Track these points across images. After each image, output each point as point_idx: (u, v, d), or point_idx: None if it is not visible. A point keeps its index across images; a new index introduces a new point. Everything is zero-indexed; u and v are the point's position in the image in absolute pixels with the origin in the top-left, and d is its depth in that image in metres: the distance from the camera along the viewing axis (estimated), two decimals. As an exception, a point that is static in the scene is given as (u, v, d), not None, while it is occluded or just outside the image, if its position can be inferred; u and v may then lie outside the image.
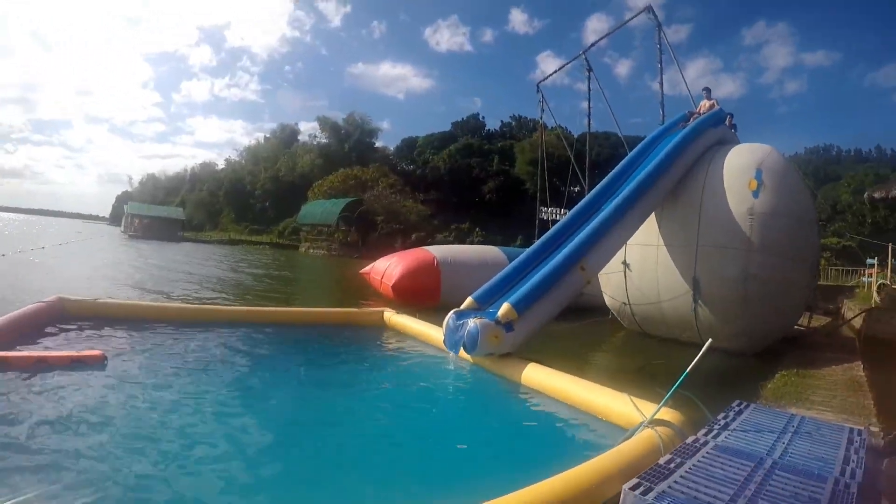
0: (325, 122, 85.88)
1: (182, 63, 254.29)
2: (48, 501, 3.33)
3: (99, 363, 6.42)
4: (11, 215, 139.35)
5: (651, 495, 3.09)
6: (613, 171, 10.83)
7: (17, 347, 6.61)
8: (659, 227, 10.70)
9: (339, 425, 5.26)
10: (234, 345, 7.96)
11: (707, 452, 3.73)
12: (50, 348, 6.98)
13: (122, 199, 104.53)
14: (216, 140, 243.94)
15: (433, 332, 8.69)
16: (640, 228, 9.81)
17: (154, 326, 8.69)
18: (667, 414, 4.57)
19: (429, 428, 5.41)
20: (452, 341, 7.63)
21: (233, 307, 12.14)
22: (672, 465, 3.50)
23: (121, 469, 3.85)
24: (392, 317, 10.12)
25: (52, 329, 7.95)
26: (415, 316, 9.96)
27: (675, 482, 3.26)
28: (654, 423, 4.41)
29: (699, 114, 12.05)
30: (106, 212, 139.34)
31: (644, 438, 4.18)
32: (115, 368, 6.37)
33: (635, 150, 11.54)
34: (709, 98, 12.54)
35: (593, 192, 10.41)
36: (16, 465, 3.81)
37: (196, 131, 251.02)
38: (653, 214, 10.35)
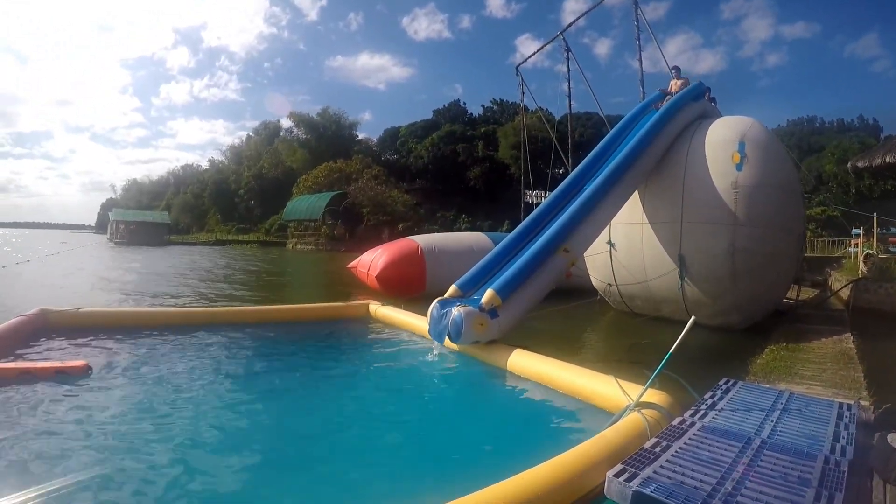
0: (299, 119, 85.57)
1: (160, 66, 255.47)
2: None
3: (83, 373, 6.37)
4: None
5: (635, 482, 3.04)
6: (593, 151, 10.71)
7: (1, 361, 6.54)
8: (643, 205, 10.57)
9: (324, 418, 5.24)
10: (219, 346, 7.91)
11: (694, 434, 3.67)
12: (34, 360, 6.92)
13: (107, 207, 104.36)
14: (198, 141, 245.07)
15: (418, 322, 8.61)
16: (624, 207, 9.70)
17: (139, 333, 8.61)
18: (653, 396, 4.48)
19: (414, 418, 5.36)
20: (437, 331, 7.53)
21: (217, 308, 12.03)
22: (658, 449, 3.45)
23: (106, 478, 3.81)
24: (378, 309, 10.05)
25: (36, 342, 7.88)
26: (400, 307, 9.89)
27: (661, 467, 3.21)
28: (641, 405, 4.32)
29: (671, 93, 11.84)
30: (92, 220, 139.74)
31: (630, 422, 4.08)
32: (100, 377, 6.32)
33: (614, 129, 11.43)
34: (678, 77, 12.26)
35: (574, 172, 10.27)
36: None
37: (178, 134, 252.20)
38: (636, 192, 10.23)
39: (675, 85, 12.01)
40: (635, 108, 12.15)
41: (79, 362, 6.59)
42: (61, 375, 6.23)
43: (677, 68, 12.56)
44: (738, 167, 9.47)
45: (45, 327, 8.47)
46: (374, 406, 5.62)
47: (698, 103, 11.63)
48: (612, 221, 9.90)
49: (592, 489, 3.31)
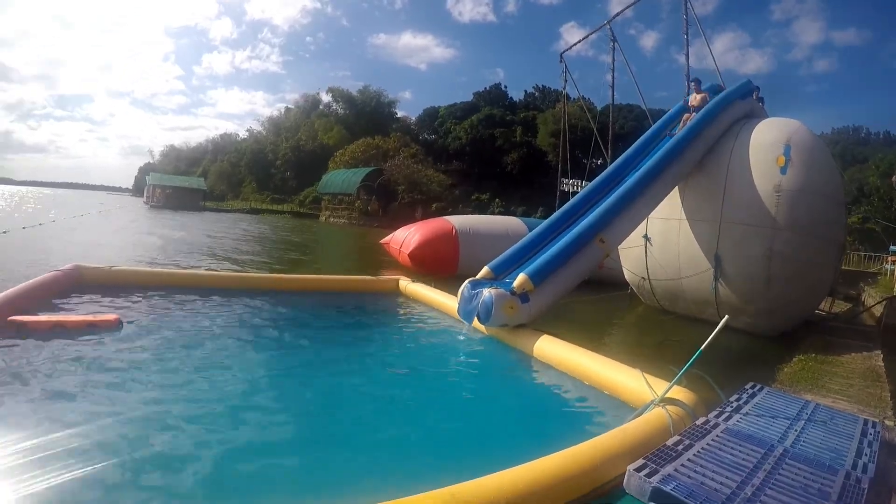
0: (338, 94, 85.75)
1: (203, 36, 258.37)
2: (61, 462, 3.37)
3: (114, 327, 6.56)
4: (37, 189, 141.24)
5: (656, 478, 3.03)
6: (637, 142, 10.59)
7: (36, 313, 6.71)
8: (682, 201, 10.39)
9: (349, 391, 5.27)
10: (248, 311, 8.03)
11: (717, 435, 3.65)
12: (67, 314, 7.11)
13: (145, 171, 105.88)
14: (238, 111, 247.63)
15: (448, 301, 8.64)
16: (663, 202, 9.57)
17: (170, 292, 8.80)
18: (679, 393, 4.46)
19: (437, 397, 5.39)
20: (466, 311, 7.54)
21: (248, 274, 12.14)
22: (680, 447, 3.45)
23: (132, 431, 3.93)
24: (407, 285, 10.12)
25: (71, 296, 8.10)
26: (430, 285, 9.91)
27: (683, 465, 3.21)
28: (665, 401, 4.31)
29: (692, 107, 11.20)
30: (129, 183, 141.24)
31: (653, 417, 4.08)
32: (130, 332, 6.49)
33: (660, 121, 11.27)
34: (699, 91, 11.54)
35: (615, 163, 10.18)
36: (31, 425, 3.90)
37: (217, 103, 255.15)
38: (676, 188, 10.09)
39: (695, 99, 11.36)
40: (681, 102, 11.86)
41: (110, 316, 6.79)
42: (93, 329, 6.40)
43: (698, 81, 12.01)
44: (783, 170, 9.26)
45: (79, 283, 8.69)
46: (396, 382, 5.69)
47: (745, 102, 11.40)
48: (650, 216, 9.79)
49: (610, 481, 3.30)
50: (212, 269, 13.51)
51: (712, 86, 12.10)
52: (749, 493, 2.89)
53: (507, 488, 2.95)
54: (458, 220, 16.11)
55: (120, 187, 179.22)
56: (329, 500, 2.69)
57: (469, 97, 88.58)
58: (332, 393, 5.21)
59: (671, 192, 9.87)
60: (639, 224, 9.40)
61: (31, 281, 7.79)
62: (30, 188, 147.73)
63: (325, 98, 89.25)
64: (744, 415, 4.09)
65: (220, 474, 3.49)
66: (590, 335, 7.13)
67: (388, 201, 54.79)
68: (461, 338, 7.41)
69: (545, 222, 9.19)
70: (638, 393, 4.82)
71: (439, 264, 14.58)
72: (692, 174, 10.18)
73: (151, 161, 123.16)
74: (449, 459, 3.89)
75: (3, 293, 7.07)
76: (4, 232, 15.65)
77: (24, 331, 6.10)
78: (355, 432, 4.36)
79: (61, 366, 5.17)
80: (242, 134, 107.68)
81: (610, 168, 10.07)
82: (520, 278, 7.29)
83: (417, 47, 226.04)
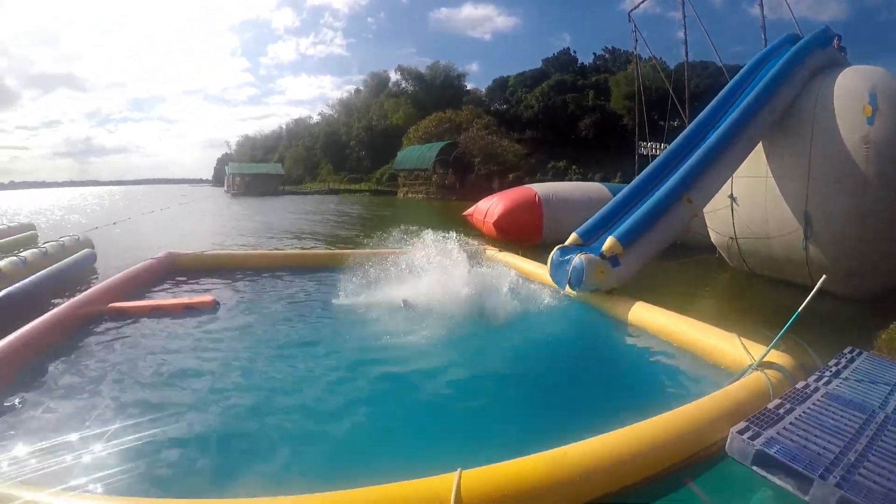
0: (407, 72, 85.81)
1: (266, 28, 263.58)
2: (158, 429, 3.78)
3: (210, 309, 6.96)
4: (122, 188, 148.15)
5: (759, 440, 3.09)
6: (715, 99, 10.19)
7: (136, 300, 7.19)
8: (767, 158, 9.99)
9: (445, 361, 5.37)
10: (334, 286, 8.18)
11: (818, 400, 3.67)
12: (164, 298, 7.64)
13: (223, 161, 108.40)
14: (307, 97, 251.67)
15: (536, 269, 8.80)
16: (748, 159, 9.27)
17: (261, 273, 9.28)
18: (776, 357, 4.46)
19: (531, 363, 5.46)
20: (557, 277, 7.66)
21: (336, 250, 12.59)
22: (781, 411, 3.47)
23: (229, 407, 4.25)
24: (495, 254, 10.30)
25: (165, 282, 8.72)
26: (518, 253, 10.05)
27: (785, 429, 3.24)
28: (763, 365, 4.31)
29: None
30: (208, 174, 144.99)
31: (752, 381, 4.11)
32: (225, 313, 6.86)
33: (738, 75, 10.78)
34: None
35: (695, 122, 9.86)
36: (132, 399, 4.31)
37: (287, 90, 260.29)
38: (759, 144, 9.73)
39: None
40: (760, 52, 11.40)
41: (206, 298, 7.23)
42: (190, 311, 6.83)
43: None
44: (870, 121, 8.75)
45: (172, 269, 9.28)
46: (494, 349, 5.79)
47: (825, 51, 10.75)
48: (734, 175, 9.48)
49: (710, 445, 3.38)
50: (298, 248, 14.02)
51: (788, 36, 11.57)
52: (852, 459, 2.90)
53: (614, 449, 3.10)
54: (541, 188, 16.14)
55: (200, 179, 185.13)
56: (456, 460, 2.81)
57: (537, 64, 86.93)
58: (425, 361, 5.34)
59: (755, 149, 9.55)
60: (725, 181, 9.16)
61: (128, 269, 8.36)
62: (114, 187, 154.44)
63: (394, 76, 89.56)
64: (843, 379, 4.06)
65: (326, 452, 3.71)
66: (678, 299, 7.09)
67: (465, 174, 54.75)
68: (552, 303, 7.43)
69: (629, 185, 9.08)
70: (734, 357, 4.83)
71: (523, 232, 14.73)
72: (775, 129, 9.77)
73: (229, 151, 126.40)
74: (546, 422, 4.04)
75: (104, 282, 7.63)
76: (95, 228, 16.52)
77: (125, 315, 6.58)
78: (456, 395, 4.55)
79: (165, 346, 5.60)
80: (315, 118, 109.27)
81: (690, 127, 9.75)
82: (609, 241, 7.36)
83: (480, 18, 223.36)
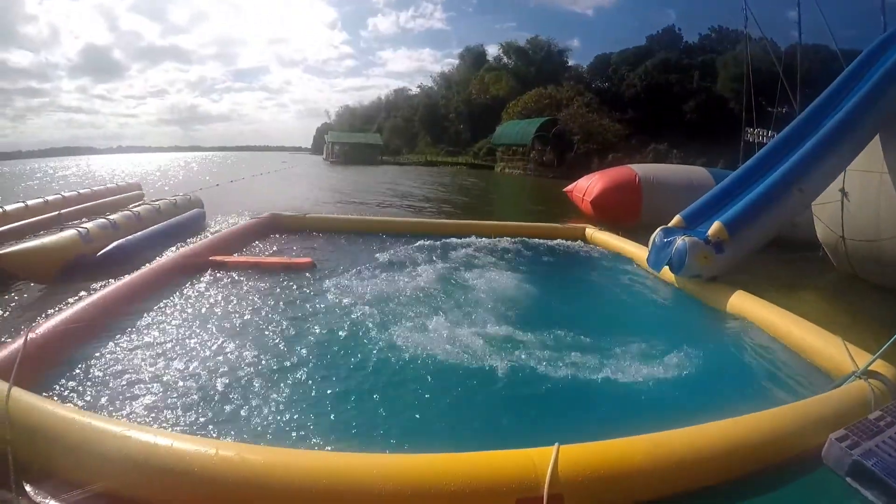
0: (509, 47, 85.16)
1: (365, 1, 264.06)
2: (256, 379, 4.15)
3: (308, 269, 7.36)
4: (225, 154, 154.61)
5: (857, 451, 2.97)
6: (830, 86, 9.59)
7: (237, 255, 7.76)
8: (883, 151, 9.11)
9: (539, 334, 5.28)
10: (436, 254, 8.48)
11: (922, 417, 3.40)
12: (265, 255, 8.15)
13: (323, 130, 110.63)
14: (406, 69, 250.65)
15: (636, 250, 8.68)
16: (862, 152, 8.66)
17: (359, 238, 9.64)
18: (881, 367, 4.17)
19: (623, 346, 5.14)
20: (657, 259, 7.46)
21: (435, 220, 12.88)
22: (882, 423, 3.26)
23: (328, 363, 4.53)
24: (595, 233, 10.32)
25: (267, 239, 9.26)
26: (618, 234, 10.01)
27: (884, 442, 3.06)
28: (868, 374, 4.05)
29: None
30: (308, 143, 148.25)
31: (854, 389, 3.87)
32: (323, 274, 7.15)
33: (855, 61, 10.06)
34: None
35: (809, 108, 9.35)
36: (231, 348, 4.69)
37: (387, 63, 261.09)
38: (877, 136, 8.96)
39: None
40: (877, 39, 10.19)
41: (305, 259, 7.66)
42: (289, 269, 7.24)
43: None
44: None
45: (275, 228, 9.85)
46: (593, 326, 5.59)
47: None
48: (848, 168, 8.88)
49: (806, 451, 3.27)
50: (394, 216, 14.68)
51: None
52: (954, 485, 2.72)
53: (714, 440, 3.12)
54: (641, 169, 15.89)
55: (300, 147, 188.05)
56: (545, 435, 2.94)
57: (641, 41, 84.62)
58: (526, 328, 5.36)
59: (872, 141, 8.87)
60: (839, 173, 8.71)
61: (232, 227, 8.99)
62: (217, 153, 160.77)
63: (493, 51, 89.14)
64: (952, 397, 3.77)
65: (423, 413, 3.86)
66: (775, 296, 6.55)
67: (564, 152, 53.80)
68: (649, 286, 7.43)
69: (738, 171, 8.78)
70: (835, 361, 4.59)
71: (621, 212, 14.49)
72: (893, 120, 8.93)
73: (328, 121, 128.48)
74: (644, 408, 3.99)
75: (209, 238, 8.33)
76: (199, 190, 17.50)
77: (224, 268, 7.11)
78: (549, 373, 4.48)
79: (262, 301, 5.99)
80: (414, 90, 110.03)
81: (804, 113, 9.24)
82: (715, 226, 7.05)
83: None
